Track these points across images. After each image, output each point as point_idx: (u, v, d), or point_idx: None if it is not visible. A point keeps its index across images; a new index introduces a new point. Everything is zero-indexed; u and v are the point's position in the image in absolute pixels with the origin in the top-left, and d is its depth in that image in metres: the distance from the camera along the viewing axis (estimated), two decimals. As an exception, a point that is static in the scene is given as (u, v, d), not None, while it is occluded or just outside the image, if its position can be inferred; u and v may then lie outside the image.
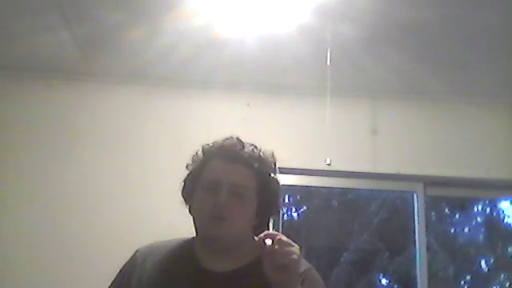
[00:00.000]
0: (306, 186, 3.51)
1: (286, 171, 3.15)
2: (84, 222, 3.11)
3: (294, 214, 4.08)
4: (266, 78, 3.32)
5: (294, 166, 3.23)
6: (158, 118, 3.35)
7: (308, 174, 3.35)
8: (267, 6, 2.68)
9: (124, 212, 3.13)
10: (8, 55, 3.23)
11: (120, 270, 1.57)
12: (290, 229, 3.75)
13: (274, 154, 1.60)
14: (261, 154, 1.57)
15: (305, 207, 4.11)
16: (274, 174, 1.59)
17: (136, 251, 1.57)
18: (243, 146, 1.55)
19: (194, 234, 1.56)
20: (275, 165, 1.60)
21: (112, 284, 1.56)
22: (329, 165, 3.23)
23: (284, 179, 3.44)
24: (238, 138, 1.57)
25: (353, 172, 3.32)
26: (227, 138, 1.58)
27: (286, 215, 3.73)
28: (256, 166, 1.53)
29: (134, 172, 3.23)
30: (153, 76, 3.33)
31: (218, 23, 2.80)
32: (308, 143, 3.33)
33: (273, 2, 2.66)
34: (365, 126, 3.39)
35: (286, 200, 3.76)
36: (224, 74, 3.26)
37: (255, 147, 1.57)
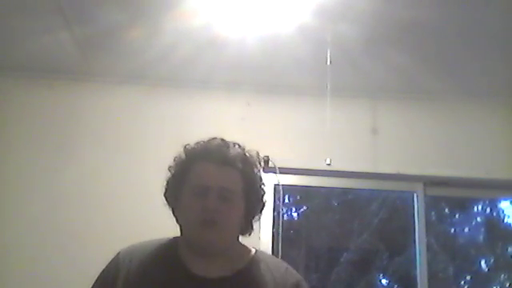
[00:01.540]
0: (306, 186, 3.51)
1: (285, 171, 3.20)
2: (85, 221, 3.11)
3: (294, 214, 4.07)
4: (266, 78, 3.32)
5: (293, 166, 3.24)
6: (158, 118, 3.36)
7: (308, 174, 3.35)
8: (267, 6, 2.68)
9: (125, 211, 3.13)
10: (8, 56, 3.23)
11: (102, 272, 1.53)
12: (289, 229, 3.75)
13: (259, 153, 1.59)
14: (246, 153, 1.55)
15: (305, 207, 4.11)
16: (258, 171, 1.57)
17: (118, 253, 1.54)
18: (228, 147, 1.53)
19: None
20: (260, 163, 1.59)
21: (94, 286, 1.53)
22: (329, 165, 3.22)
23: (284, 179, 3.45)
24: (222, 139, 1.56)
25: (353, 172, 3.32)
26: (211, 139, 1.56)
27: (285, 215, 3.73)
28: (241, 166, 1.52)
29: (134, 172, 3.23)
30: (153, 76, 3.33)
31: (218, 23, 2.80)
32: (308, 143, 3.33)
33: (273, 2, 2.66)
34: (365, 126, 3.39)
35: (286, 200, 3.76)
36: (224, 73, 3.26)
37: (239, 146, 1.56)
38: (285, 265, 1.58)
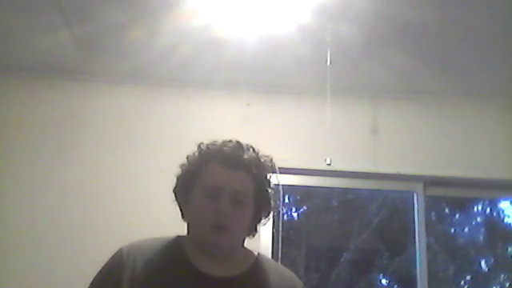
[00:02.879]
0: (306, 186, 3.50)
1: (285, 171, 3.18)
2: (85, 221, 3.11)
3: (294, 214, 4.07)
4: (266, 77, 3.32)
5: (293, 166, 3.24)
6: (158, 118, 3.35)
7: (308, 174, 3.35)
8: (267, 6, 2.68)
9: (125, 211, 3.13)
10: (8, 55, 3.23)
11: (103, 268, 1.51)
12: (290, 229, 3.75)
13: (273, 159, 1.60)
14: (260, 158, 1.56)
15: (305, 207, 4.11)
16: (271, 176, 1.58)
17: (121, 249, 1.52)
18: (243, 151, 1.53)
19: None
20: (273, 169, 1.59)
21: (94, 283, 1.51)
22: (329, 165, 3.23)
23: (284, 179, 3.43)
24: (237, 141, 1.56)
25: (353, 172, 3.32)
26: (227, 141, 1.55)
27: (285, 215, 3.73)
28: (255, 171, 1.52)
29: (134, 171, 3.23)
30: (153, 76, 3.33)
31: (217, 23, 2.80)
32: (308, 143, 3.33)
33: (273, 2, 2.66)
34: (365, 125, 3.39)
35: (286, 200, 3.76)
36: (224, 73, 3.26)
37: (253, 150, 1.56)
38: (287, 269, 1.60)
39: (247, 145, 1.56)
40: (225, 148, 1.53)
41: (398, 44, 2.95)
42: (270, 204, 1.58)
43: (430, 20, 2.74)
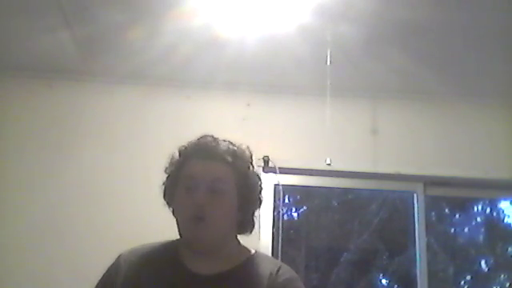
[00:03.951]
0: (306, 186, 3.51)
1: (285, 171, 3.20)
2: (85, 221, 3.11)
3: (294, 214, 4.08)
4: (266, 77, 3.32)
5: (294, 166, 3.24)
6: (158, 118, 3.36)
7: (308, 174, 3.35)
8: (267, 6, 2.68)
9: (125, 211, 3.13)
10: (8, 55, 3.23)
11: (103, 276, 1.54)
12: (290, 229, 3.75)
13: (250, 148, 1.59)
14: (236, 148, 1.55)
15: (305, 207, 4.11)
16: (252, 167, 1.57)
17: (119, 256, 1.55)
18: (218, 143, 1.54)
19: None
20: (252, 158, 1.58)
21: None
22: (329, 165, 3.23)
23: (284, 179, 3.45)
24: (212, 136, 1.56)
25: (353, 172, 3.33)
26: (201, 137, 1.57)
27: (285, 215, 3.73)
28: (232, 160, 1.52)
29: (134, 171, 3.23)
30: (153, 76, 3.33)
31: (218, 23, 2.80)
32: (308, 143, 3.33)
33: (273, 2, 2.66)
34: (365, 125, 3.39)
35: (286, 200, 3.76)
36: (224, 74, 3.26)
37: (230, 143, 1.56)
38: (286, 266, 1.57)
39: (223, 139, 1.56)
40: (199, 143, 1.55)
41: (398, 44, 2.95)
42: (257, 193, 1.56)
43: (429, 20, 2.74)
